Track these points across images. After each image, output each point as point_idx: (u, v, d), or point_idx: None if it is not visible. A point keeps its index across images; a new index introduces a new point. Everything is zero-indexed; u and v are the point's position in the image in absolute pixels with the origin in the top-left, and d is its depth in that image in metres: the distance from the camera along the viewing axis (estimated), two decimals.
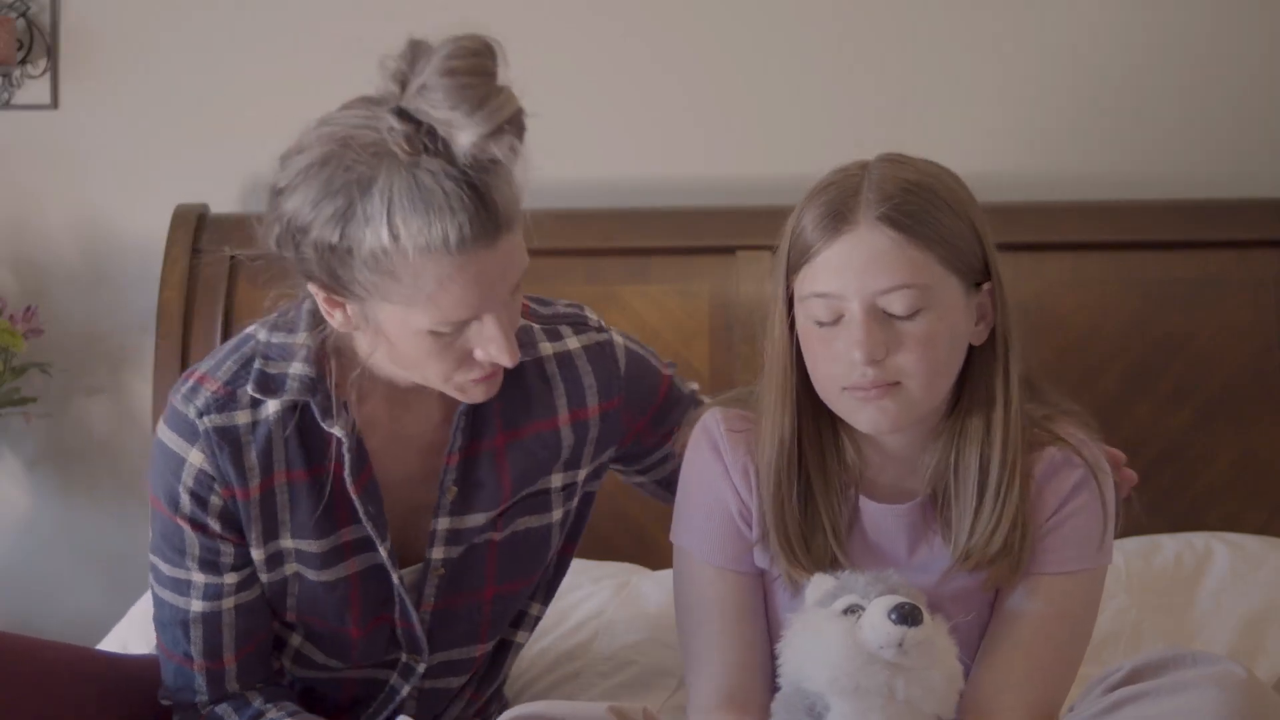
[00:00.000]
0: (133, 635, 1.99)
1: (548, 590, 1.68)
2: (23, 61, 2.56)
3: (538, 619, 1.69)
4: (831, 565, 1.41)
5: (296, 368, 1.42)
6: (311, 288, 1.36)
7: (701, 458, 1.49)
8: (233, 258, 2.43)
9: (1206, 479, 2.37)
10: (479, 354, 1.36)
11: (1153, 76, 2.48)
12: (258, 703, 1.52)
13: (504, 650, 1.67)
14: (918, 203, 1.36)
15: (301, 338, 1.43)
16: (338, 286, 1.33)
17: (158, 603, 1.52)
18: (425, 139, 1.27)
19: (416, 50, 1.31)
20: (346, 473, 1.44)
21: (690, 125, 2.53)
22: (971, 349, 1.42)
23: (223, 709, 1.52)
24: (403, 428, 1.49)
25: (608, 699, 1.80)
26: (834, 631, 1.31)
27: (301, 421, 1.44)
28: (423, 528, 1.51)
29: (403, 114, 1.28)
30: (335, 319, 1.38)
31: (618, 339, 1.57)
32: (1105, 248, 2.39)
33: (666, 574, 2.23)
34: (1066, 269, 2.38)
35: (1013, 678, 1.41)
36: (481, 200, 1.29)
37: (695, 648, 1.49)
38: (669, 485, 1.61)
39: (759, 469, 1.45)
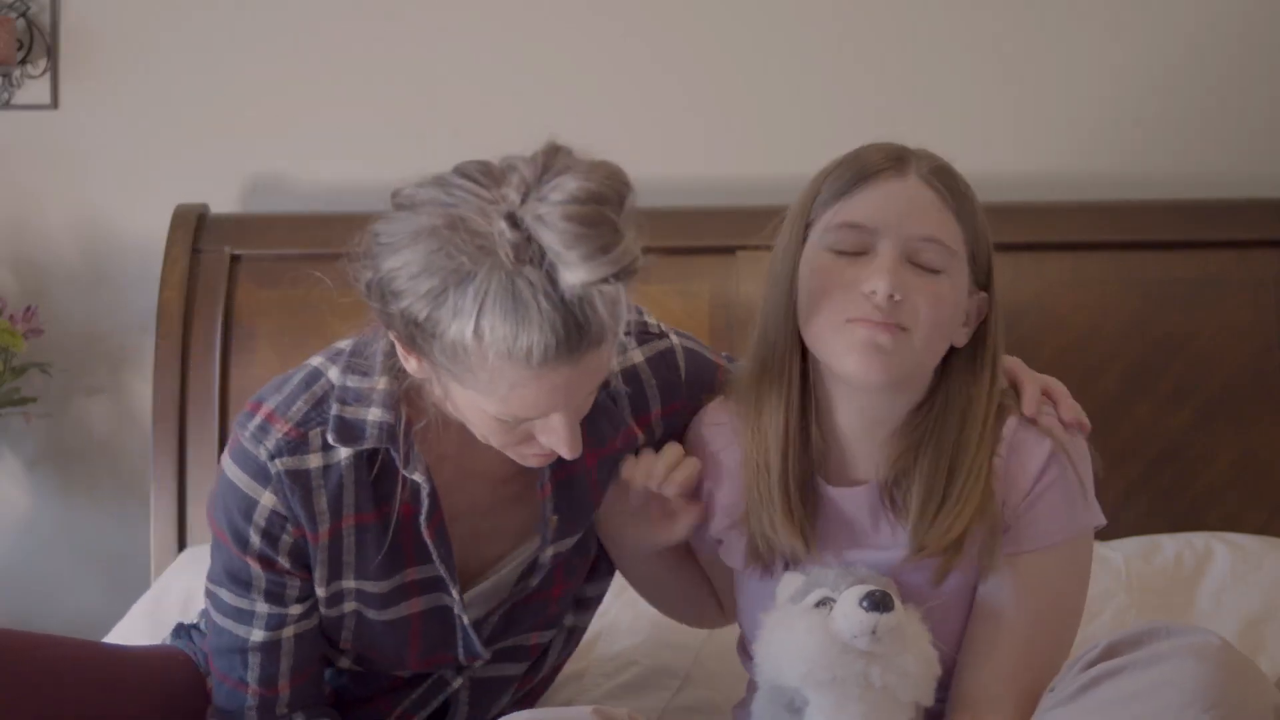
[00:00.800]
0: (133, 635, 1.99)
1: (596, 569, 1.65)
2: (23, 61, 2.56)
3: (596, 599, 1.67)
4: (799, 551, 1.42)
5: (375, 414, 1.38)
6: (393, 334, 1.33)
7: (700, 451, 1.51)
8: (234, 257, 2.44)
9: (1206, 479, 2.36)
10: (540, 439, 1.34)
11: (1153, 76, 2.48)
12: (299, 717, 1.51)
13: (562, 637, 1.66)
14: (958, 184, 1.41)
15: (381, 382, 1.39)
16: (416, 350, 1.30)
17: (215, 630, 1.50)
18: (533, 254, 1.23)
19: (550, 162, 1.27)
20: (422, 516, 1.41)
21: (690, 125, 2.53)
22: (951, 351, 1.42)
23: None
24: (472, 463, 1.46)
25: (611, 699, 1.80)
26: (807, 626, 1.31)
27: (371, 463, 1.41)
28: (484, 554, 1.51)
29: (516, 223, 1.23)
30: (410, 365, 1.34)
31: (675, 341, 1.54)
32: (1105, 248, 2.39)
33: None
34: (1066, 269, 2.38)
35: (1002, 667, 1.40)
36: (575, 324, 1.24)
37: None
38: None
39: (745, 450, 1.45)
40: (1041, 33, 2.48)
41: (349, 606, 1.47)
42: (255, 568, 1.43)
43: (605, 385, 1.47)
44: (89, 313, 2.58)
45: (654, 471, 1.46)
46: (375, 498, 1.42)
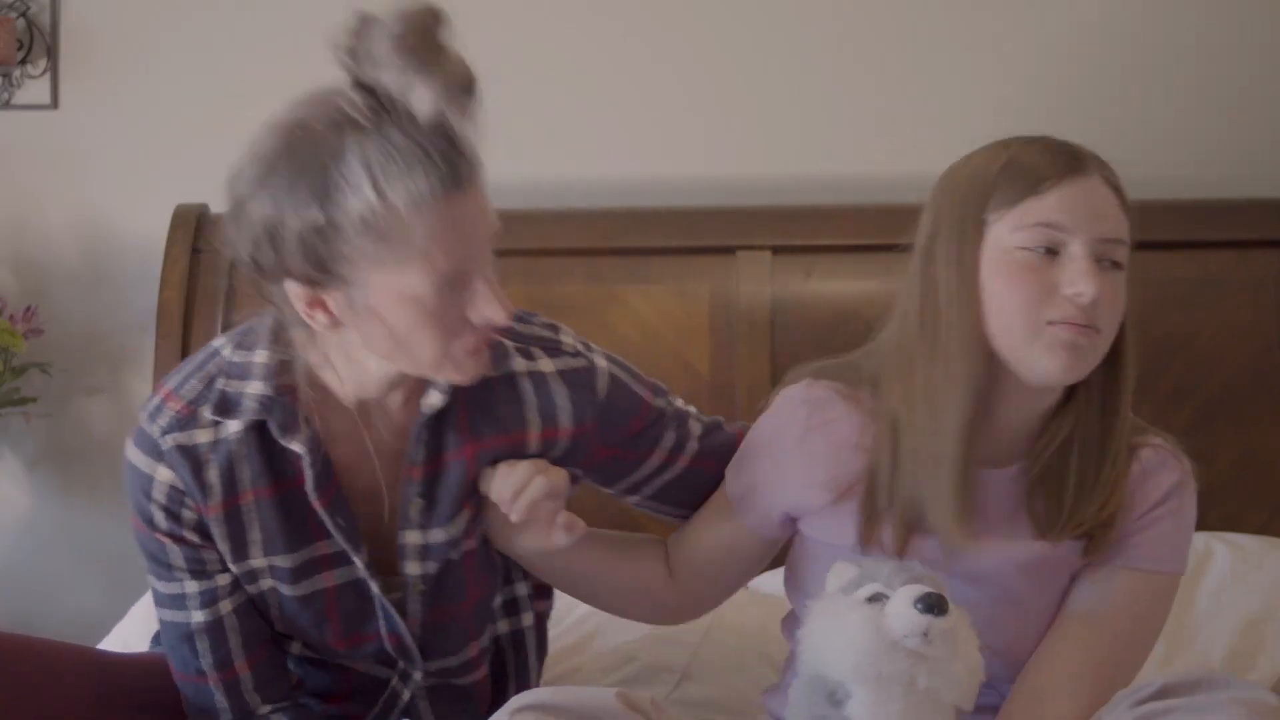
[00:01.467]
0: (133, 635, 1.99)
1: (511, 571, 1.65)
2: (23, 61, 2.57)
3: (531, 596, 1.67)
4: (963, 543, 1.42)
5: (254, 386, 1.42)
6: (292, 289, 1.35)
7: (798, 420, 1.51)
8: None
9: (1206, 479, 2.34)
10: (473, 316, 1.36)
11: (1153, 76, 2.48)
12: (265, 709, 1.51)
13: (519, 639, 1.66)
14: (1123, 183, 1.45)
15: (261, 356, 1.43)
16: (323, 274, 1.32)
17: (163, 627, 1.52)
18: (386, 105, 1.31)
19: (365, 23, 1.33)
20: (310, 486, 1.43)
21: (690, 125, 2.53)
22: None
23: None
24: (367, 443, 1.47)
25: None
26: (858, 619, 1.30)
27: (264, 440, 1.44)
28: (394, 538, 1.51)
29: (360, 85, 1.31)
30: (318, 320, 1.36)
31: (600, 363, 1.55)
32: None
33: None
34: None
35: (1074, 667, 1.41)
36: (454, 148, 1.32)
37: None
38: (666, 499, 1.63)
39: (900, 427, 1.43)
40: (1041, 33, 2.48)
41: (265, 584, 1.48)
42: (169, 544, 1.46)
43: (511, 381, 1.49)
44: (89, 313, 2.58)
45: (501, 493, 1.45)
46: (271, 472, 1.44)
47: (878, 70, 2.50)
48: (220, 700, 1.51)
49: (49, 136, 2.58)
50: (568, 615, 2.01)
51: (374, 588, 1.48)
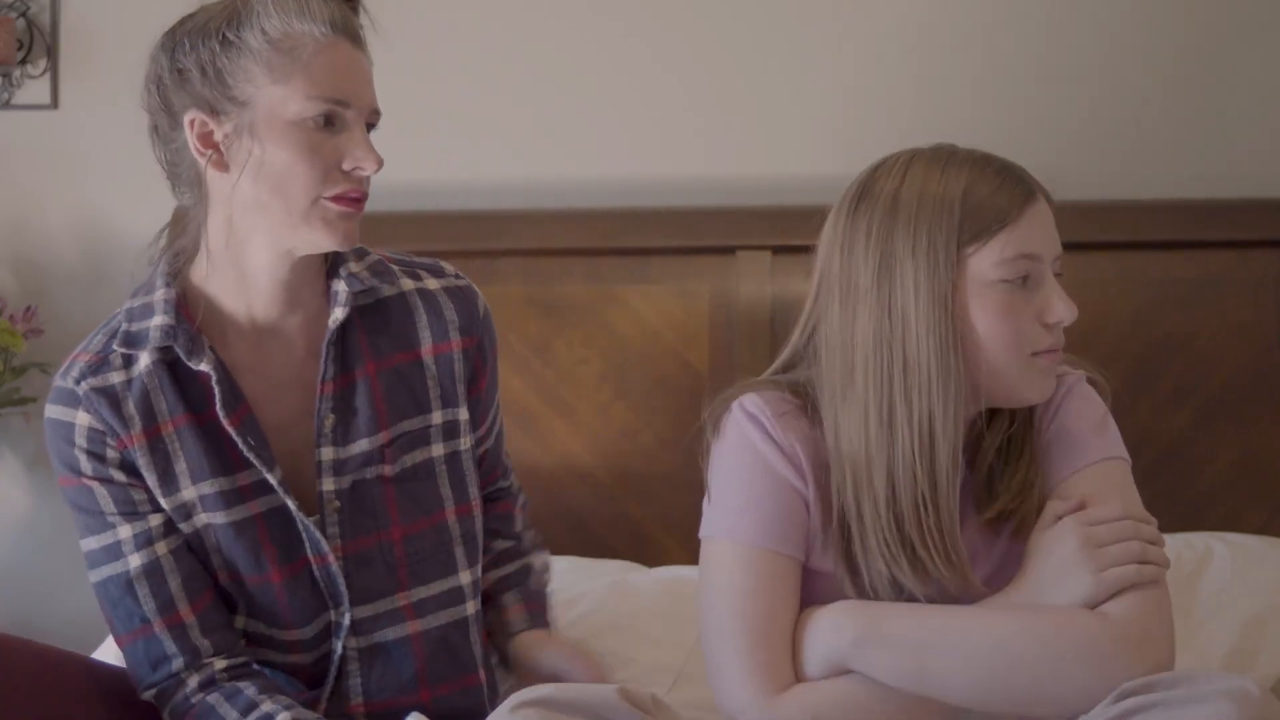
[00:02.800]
0: None
1: (467, 555, 1.65)
2: (23, 61, 2.57)
3: (475, 584, 1.67)
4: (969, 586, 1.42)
5: (158, 320, 1.52)
6: (191, 121, 1.48)
7: (752, 440, 1.46)
8: None
9: (1206, 479, 2.37)
10: (346, 163, 1.48)
11: (1153, 76, 2.48)
12: (250, 692, 1.52)
13: (462, 627, 1.64)
14: None
15: (159, 294, 1.54)
16: (220, 95, 1.47)
17: (103, 587, 1.54)
18: None
19: None
20: (219, 406, 1.51)
21: (690, 125, 2.53)
22: None
23: (214, 698, 1.52)
24: (270, 369, 1.56)
25: None
26: None
27: (175, 371, 1.53)
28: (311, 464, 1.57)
29: None
30: (206, 158, 1.48)
31: (476, 288, 1.69)
32: (1105, 248, 2.39)
33: (663, 571, 2.25)
34: (1067, 269, 2.36)
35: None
36: (348, 4, 1.52)
37: (754, 638, 1.41)
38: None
39: (867, 469, 1.41)
40: (1041, 32, 2.48)
41: (200, 520, 1.53)
42: (97, 487, 1.52)
43: (403, 300, 1.61)
44: (89, 313, 2.58)
45: None
46: (186, 402, 1.52)
47: (878, 70, 2.50)
48: (169, 646, 1.52)
49: (49, 136, 2.58)
50: (563, 618, 2.01)
51: (290, 504, 1.53)
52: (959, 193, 1.40)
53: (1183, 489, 2.35)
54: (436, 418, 1.61)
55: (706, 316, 2.41)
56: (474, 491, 1.66)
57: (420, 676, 1.60)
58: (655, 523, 2.40)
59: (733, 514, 1.45)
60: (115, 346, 1.52)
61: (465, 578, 1.64)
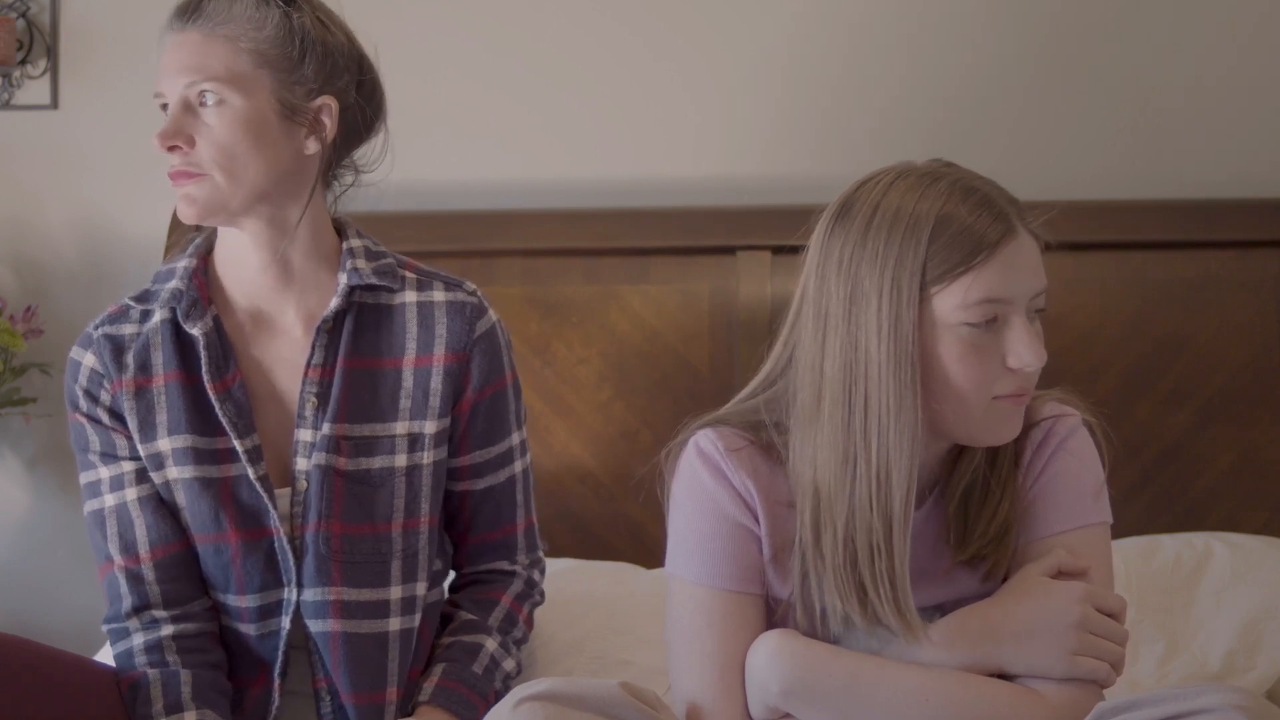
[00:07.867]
0: None
1: (404, 570, 1.65)
2: (23, 61, 2.57)
3: (436, 597, 1.70)
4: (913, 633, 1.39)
5: (173, 284, 1.64)
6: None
7: (702, 480, 1.45)
8: None
9: (1206, 479, 2.36)
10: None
11: (1153, 76, 2.48)
12: (186, 691, 1.56)
13: (378, 645, 1.63)
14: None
15: (182, 261, 1.67)
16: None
17: (88, 521, 1.66)
18: None
19: None
20: (204, 370, 1.61)
21: (690, 125, 2.53)
22: None
23: (153, 675, 1.58)
24: (271, 345, 1.65)
25: None
26: None
27: (179, 334, 1.63)
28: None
29: None
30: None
31: (493, 316, 1.71)
32: (1105, 248, 2.39)
33: (661, 572, 2.24)
34: (1067, 269, 2.37)
35: None
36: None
37: (707, 677, 1.44)
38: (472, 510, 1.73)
39: (828, 501, 1.39)
40: (1040, 33, 2.48)
41: (171, 472, 1.61)
42: (86, 426, 1.64)
43: (401, 313, 1.65)
44: (89, 313, 2.57)
45: None
46: (180, 360, 1.62)
47: (878, 71, 2.50)
48: (123, 586, 1.63)
49: (49, 136, 2.58)
50: (562, 618, 2.01)
51: (250, 472, 1.60)
52: (929, 226, 1.35)
53: (1183, 489, 2.35)
54: (400, 428, 1.64)
55: (706, 316, 2.41)
56: (426, 507, 1.66)
57: (338, 677, 1.61)
58: (655, 523, 2.40)
59: (685, 555, 1.46)
60: (134, 302, 1.66)
61: (396, 593, 1.64)
